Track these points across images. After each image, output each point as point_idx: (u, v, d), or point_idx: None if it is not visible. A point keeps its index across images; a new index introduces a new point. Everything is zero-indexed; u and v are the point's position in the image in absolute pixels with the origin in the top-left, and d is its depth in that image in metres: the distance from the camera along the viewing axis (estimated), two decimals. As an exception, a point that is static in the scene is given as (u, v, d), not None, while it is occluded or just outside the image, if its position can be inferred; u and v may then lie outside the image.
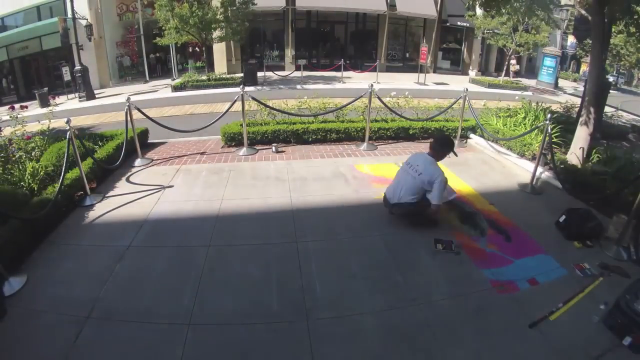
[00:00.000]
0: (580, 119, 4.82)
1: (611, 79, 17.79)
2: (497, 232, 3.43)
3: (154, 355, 2.12)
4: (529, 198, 4.20)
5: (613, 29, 6.03)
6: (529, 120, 5.85)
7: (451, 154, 3.52)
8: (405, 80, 15.41)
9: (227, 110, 5.33)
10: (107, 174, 4.47)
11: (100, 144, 4.92)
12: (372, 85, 5.44)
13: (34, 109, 9.63)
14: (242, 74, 13.75)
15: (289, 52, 17.64)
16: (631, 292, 2.38)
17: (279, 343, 2.20)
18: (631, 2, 4.30)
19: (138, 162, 4.92)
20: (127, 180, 4.45)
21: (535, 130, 5.06)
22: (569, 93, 16.00)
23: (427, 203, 3.29)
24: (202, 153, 5.35)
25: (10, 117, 4.32)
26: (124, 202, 3.89)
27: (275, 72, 15.28)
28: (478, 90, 13.98)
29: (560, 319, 2.41)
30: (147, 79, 16.07)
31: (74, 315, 2.37)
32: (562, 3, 14.39)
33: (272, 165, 4.87)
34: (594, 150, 4.78)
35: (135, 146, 5.02)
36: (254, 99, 5.43)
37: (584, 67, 18.99)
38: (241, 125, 5.35)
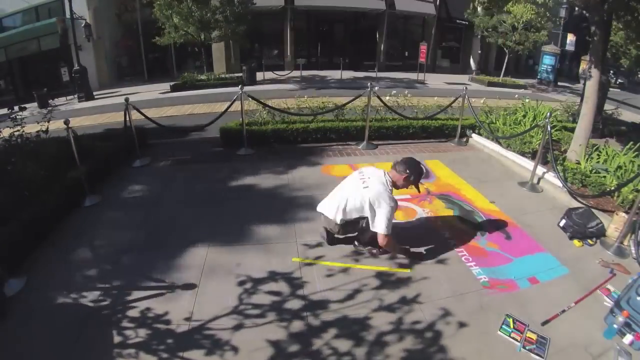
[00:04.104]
0: (580, 117, 4.81)
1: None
2: (497, 230, 3.43)
3: None
4: (528, 196, 4.19)
5: (613, 27, 6.00)
6: (528, 118, 5.85)
7: (414, 186, 2.78)
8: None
9: (226, 110, 5.32)
10: (106, 174, 4.46)
11: (99, 144, 4.90)
12: (371, 83, 5.43)
13: (33, 109, 9.63)
14: (241, 74, 13.73)
15: (288, 52, 17.61)
16: (631, 290, 2.38)
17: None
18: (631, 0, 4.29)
19: (137, 162, 4.91)
20: (127, 180, 4.44)
21: (535, 128, 5.05)
22: (569, 91, 16.00)
23: (363, 228, 2.73)
24: (202, 153, 5.33)
25: (10, 118, 4.31)
26: (124, 202, 3.89)
27: (275, 72, 15.25)
28: (478, 88, 14.00)
29: (559, 317, 2.41)
30: (146, 79, 16.04)
31: (73, 317, 2.37)
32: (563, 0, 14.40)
33: (272, 165, 4.86)
34: (594, 148, 4.77)
35: (135, 146, 5.01)
36: (253, 98, 5.43)
37: (584, 65, 18.95)
38: (240, 124, 5.34)
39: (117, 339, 2.21)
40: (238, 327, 2.30)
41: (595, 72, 4.52)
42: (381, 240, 2.65)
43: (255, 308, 2.45)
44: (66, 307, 2.46)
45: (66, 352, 2.12)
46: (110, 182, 4.35)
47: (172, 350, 2.13)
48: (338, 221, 2.73)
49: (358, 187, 2.69)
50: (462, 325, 2.34)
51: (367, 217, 2.65)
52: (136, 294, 2.56)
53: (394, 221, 2.73)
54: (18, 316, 2.38)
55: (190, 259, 2.94)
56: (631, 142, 4.53)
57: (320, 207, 2.89)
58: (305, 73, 15.66)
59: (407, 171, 2.68)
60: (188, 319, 2.35)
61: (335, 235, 2.93)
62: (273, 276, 2.75)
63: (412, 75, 15.92)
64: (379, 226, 2.60)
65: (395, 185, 2.74)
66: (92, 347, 2.16)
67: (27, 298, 2.53)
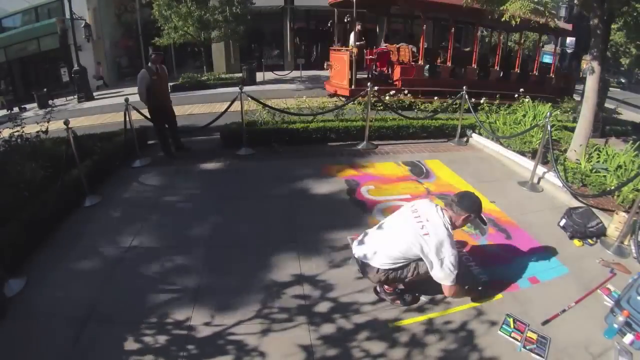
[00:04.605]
0: (580, 117, 4.81)
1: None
2: (497, 230, 3.42)
3: None
4: (529, 196, 4.19)
5: (613, 26, 6.00)
6: (528, 118, 5.84)
7: (473, 225, 2.64)
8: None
9: (225, 110, 5.31)
10: (106, 174, 4.45)
11: (99, 144, 4.91)
12: (370, 83, 5.43)
13: (32, 110, 9.63)
14: (241, 74, 13.72)
15: (288, 52, 17.60)
16: (632, 289, 2.37)
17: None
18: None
19: (137, 162, 4.91)
20: (127, 181, 4.44)
21: (535, 128, 5.05)
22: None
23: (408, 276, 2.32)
24: (201, 153, 5.33)
25: (10, 119, 4.31)
26: (124, 202, 3.89)
27: (275, 72, 15.25)
28: (477, 88, 13.96)
29: (560, 317, 2.41)
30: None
31: (73, 317, 2.36)
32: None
33: (272, 165, 4.86)
34: (594, 147, 4.77)
35: (134, 147, 5.01)
36: (252, 98, 5.42)
37: (584, 65, 18.95)
38: (240, 124, 5.34)
39: (120, 341, 2.20)
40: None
41: (595, 71, 4.52)
42: (447, 292, 2.33)
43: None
44: (66, 307, 2.45)
45: (66, 352, 2.12)
46: (110, 183, 4.34)
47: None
48: (387, 267, 2.29)
49: (416, 233, 2.23)
50: (462, 325, 2.34)
51: (417, 262, 2.30)
52: (138, 295, 2.56)
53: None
54: (18, 316, 2.38)
55: (193, 259, 2.93)
56: (631, 141, 4.53)
57: (358, 251, 2.41)
58: (305, 73, 15.65)
59: (468, 211, 2.29)
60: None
61: (376, 286, 2.57)
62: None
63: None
64: (445, 277, 2.22)
65: (454, 225, 2.32)
66: (92, 347, 2.16)
67: (27, 298, 2.53)
